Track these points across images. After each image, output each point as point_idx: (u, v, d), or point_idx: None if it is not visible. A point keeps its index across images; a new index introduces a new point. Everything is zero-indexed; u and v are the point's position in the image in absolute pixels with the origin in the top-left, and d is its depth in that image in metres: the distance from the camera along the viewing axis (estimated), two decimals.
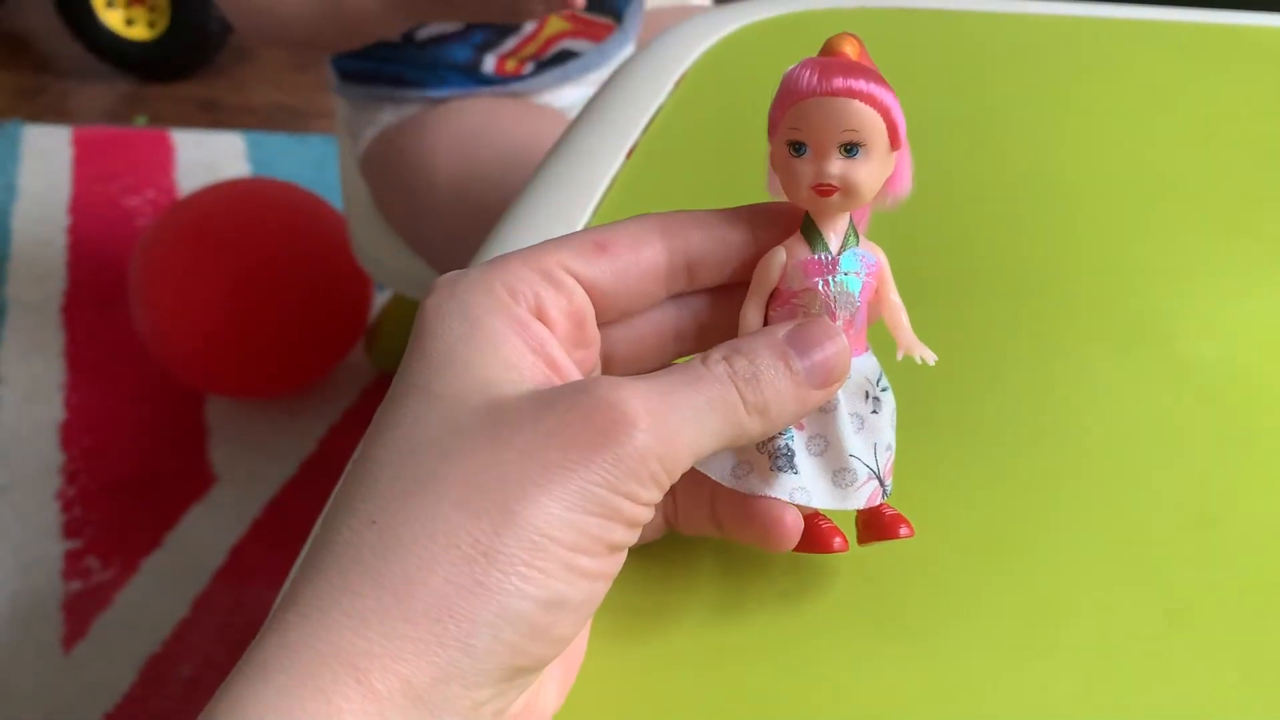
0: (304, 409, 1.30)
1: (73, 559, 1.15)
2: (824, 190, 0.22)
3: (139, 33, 2.03)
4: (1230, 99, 0.49)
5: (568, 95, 0.92)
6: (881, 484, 0.24)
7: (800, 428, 0.23)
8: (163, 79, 2.07)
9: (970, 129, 0.46)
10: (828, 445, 0.23)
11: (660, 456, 0.20)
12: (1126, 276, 0.38)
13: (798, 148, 0.22)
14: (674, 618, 0.26)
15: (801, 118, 0.22)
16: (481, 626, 0.19)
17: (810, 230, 0.23)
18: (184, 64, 2.07)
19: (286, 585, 0.21)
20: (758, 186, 0.25)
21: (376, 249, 0.96)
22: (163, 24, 2.01)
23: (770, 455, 0.23)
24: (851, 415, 0.23)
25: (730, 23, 0.53)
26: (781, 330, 0.23)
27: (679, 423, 0.21)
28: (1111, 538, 0.28)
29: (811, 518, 0.24)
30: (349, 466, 0.22)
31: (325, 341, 1.26)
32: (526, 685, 0.20)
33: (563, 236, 0.24)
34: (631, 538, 0.21)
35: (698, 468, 0.23)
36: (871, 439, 0.24)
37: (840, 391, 0.23)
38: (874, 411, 0.24)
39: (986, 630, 0.26)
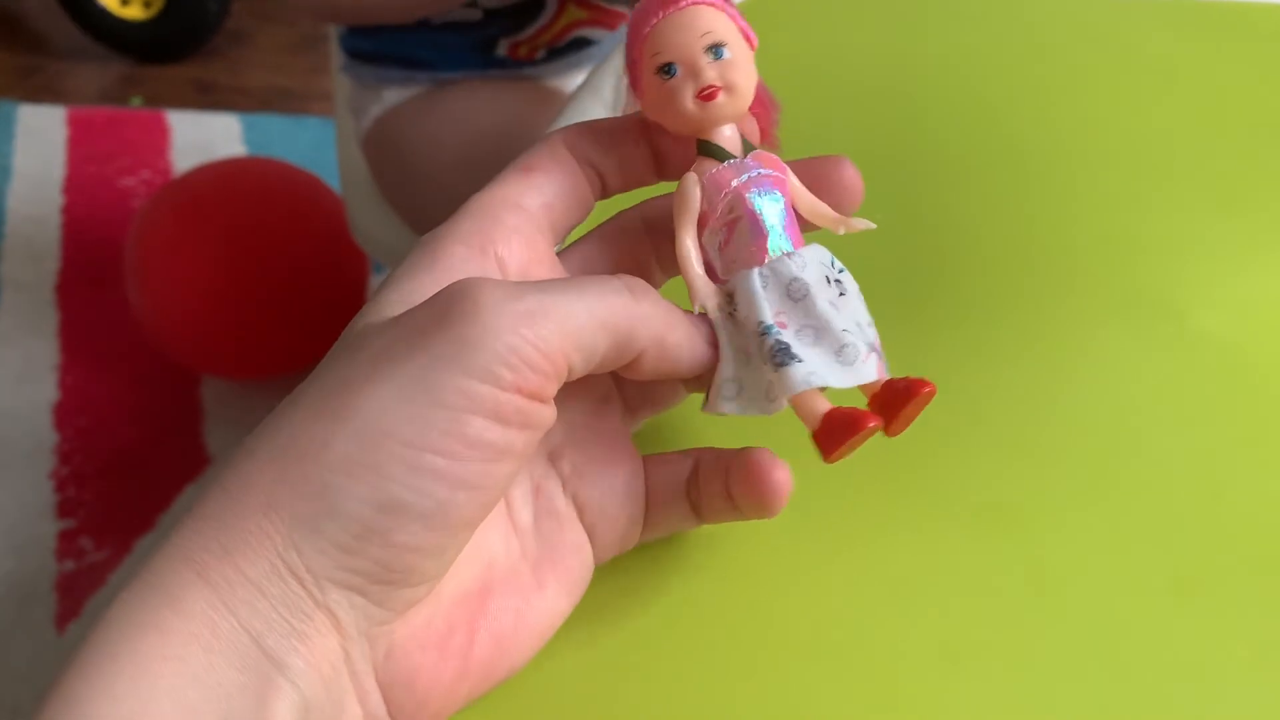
0: None
1: (66, 539, 1.14)
2: (709, 93, 0.23)
3: (135, 13, 2.01)
4: (1233, 76, 0.49)
5: (577, 81, 0.92)
6: (879, 354, 0.23)
7: (783, 325, 0.23)
8: (159, 60, 2.06)
9: (972, 106, 0.46)
10: (817, 332, 0.23)
11: (520, 332, 0.19)
12: (1131, 251, 0.37)
13: (667, 69, 0.23)
14: (672, 598, 0.26)
15: (660, 40, 0.23)
16: (304, 521, 0.19)
17: (707, 148, 0.24)
18: (180, 45, 2.06)
19: None
20: None
21: (375, 228, 0.96)
22: (158, 4, 2.00)
23: (768, 355, 0.22)
24: (829, 305, 0.23)
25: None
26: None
27: (545, 303, 0.20)
28: (1118, 510, 0.28)
29: (829, 413, 0.23)
30: None
31: (321, 322, 1.25)
32: (395, 601, 0.20)
33: (498, 177, 0.24)
34: (505, 437, 0.20)
35: (704, 410, 0.23)
36: (852, 319, 0.23)
37: (808, 279, 0.23)
38: (841, 294, 0.23)
39: (992, 601, 0.26)
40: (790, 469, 0.24)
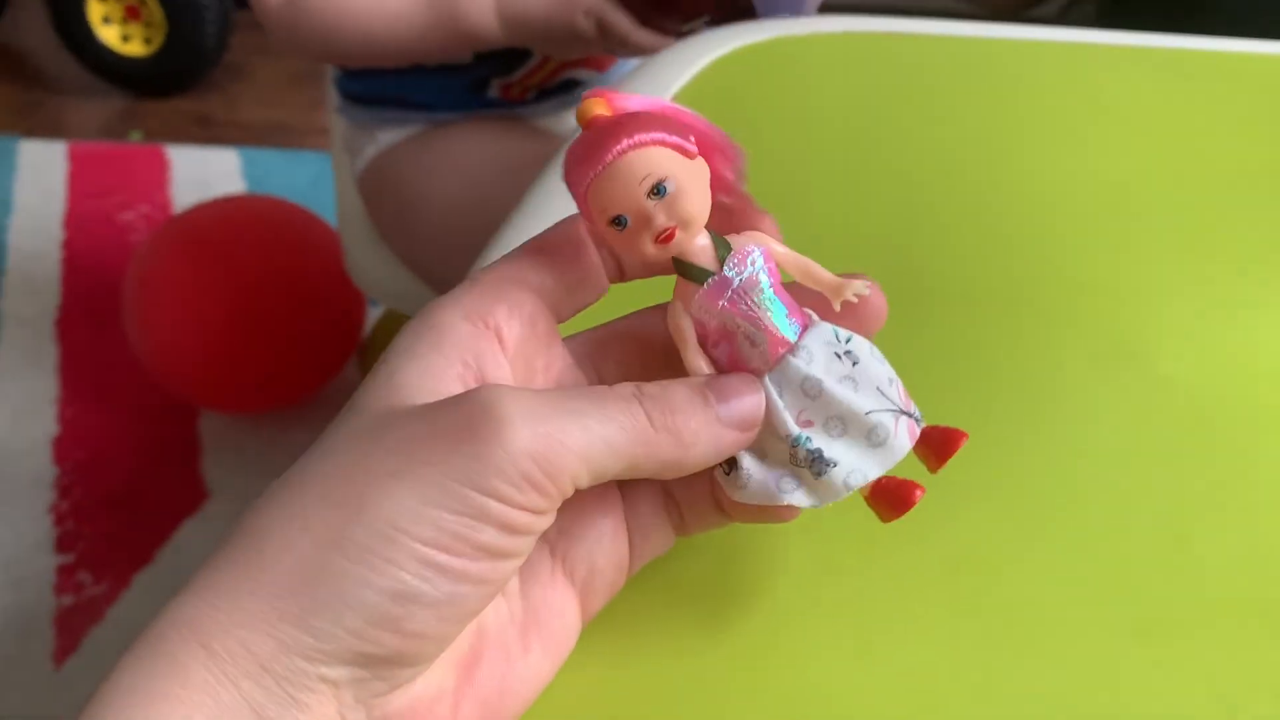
0: (297, 424, 1.30)
1: (65, 573, 1.15)
2: (665, 237, 0.22)
3: (135, 49, 2.04)
4: (1205, 123, 0.50)
5: (569, 122, 0.93)
6: (910, 415, 0.24)
7: (808, 424, 0.23)
8: (158, 95, 2.08)
9: (951, 152, 0.47)
10: (844, 421, 0.23)
11: (535, 457, 0.20)
12: (1105, 296, 0.38)
13: (618, 221, 0.22)
14: (655, 628, 0.26)
15: (602, 198, 0.22)
16: (321, 607, 0.19)
17: (683, 268, 0.23)
18: (179, 80, 2.08)
19: None
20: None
21: (370, 265, 0.97)
22: (158, 40, 2.02)
23: (805, 465, 0.23)
24: (841, 380, 0.23)
25: (719, 47, 0.54)
26: (701, 378, 0.23)
27: (565, 428, 0.21)
28: (1085, 554, 0.28)
29: (878, 484, 0.24)
30: None
31: (318, 357, 1.26)
32: (397, 678, 0.21)
33: (509, 253, 0.25)
34: (513, 544, 0.21)
35: (740, 496, 0.24)
36: (873, 385, 0.23)
37: (818, 374, 0.23)
38: (855, 364, 0.23)
39: (960, 645, 0.26)
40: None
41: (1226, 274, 0.40)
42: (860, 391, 0.23)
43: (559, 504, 0.21)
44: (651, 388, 0.22)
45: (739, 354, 0.23)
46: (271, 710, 0.19)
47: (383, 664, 0.20)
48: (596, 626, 0.26)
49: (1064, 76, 0.53)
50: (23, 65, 2.20)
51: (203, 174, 1.82)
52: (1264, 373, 0.35)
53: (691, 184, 0.22)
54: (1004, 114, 0.50)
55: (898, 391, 0.24)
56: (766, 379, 0.23)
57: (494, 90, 0.89)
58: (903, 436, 0.23)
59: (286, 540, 0.20)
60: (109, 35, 2.02)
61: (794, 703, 0.25)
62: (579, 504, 0.25)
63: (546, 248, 0.24)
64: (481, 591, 0.21)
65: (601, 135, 0.22)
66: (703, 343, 0.24)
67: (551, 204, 0.42)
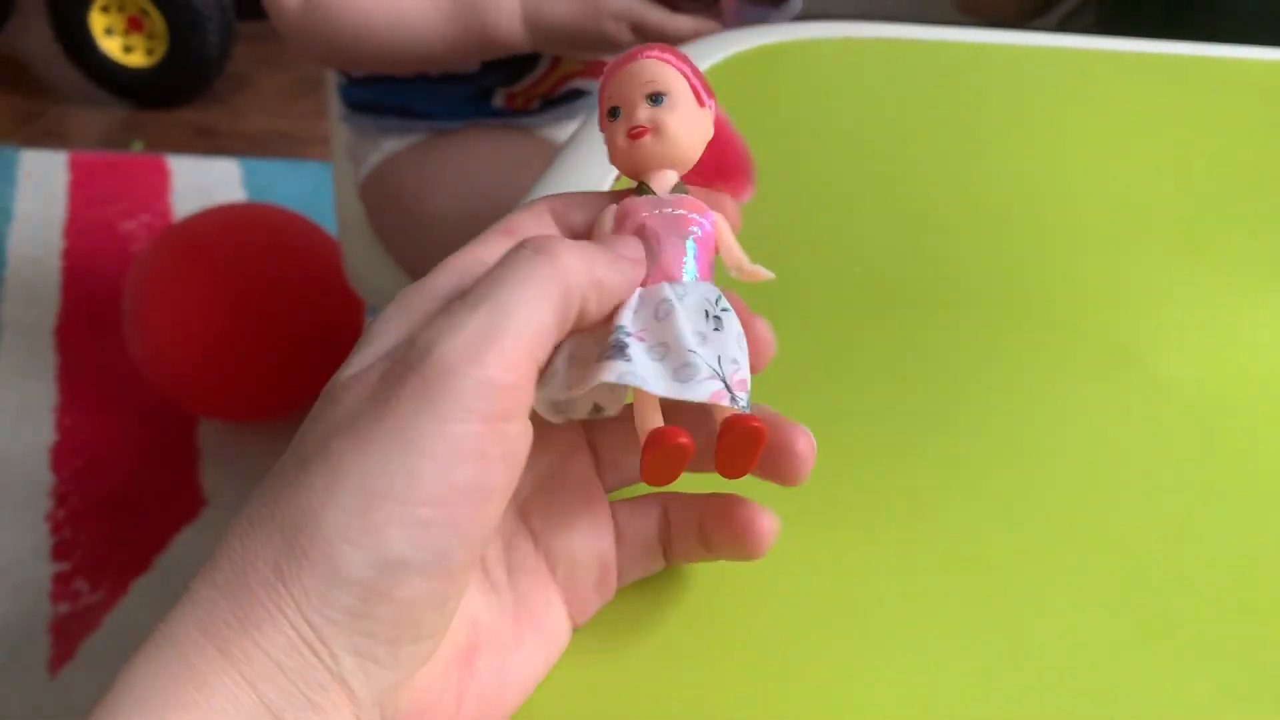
0: (295, 432, 1.30)
1: (61, 581, 1.14)
2: (636, 132, 0.24)
3: (137, 60, 2.04)
4: (1201, 128, 0.50)
5: (572, 131, 0.94)
6: (729, 389, 0.23)
7: (641, 339, 0.23)
8: (160, 105, 2.09)
9: (945, 157, 0.47)
10: (667, 350, 0.23)
11: (479, 359, 0.20)
12: (1107, 299, 0.38)
13: (613, 112, 0.25)
14: (646, 631, 0.26)
15: (613, 89, 0.25)
16: (314, 594, 0.19)
17: (640, 189, 0.25)
18: (181, 91, 2.09)
19: None
20: (743, 209, 0.26)
21: (371, 273, 0.97)
22: (160, 51, 2.03)
23: (603, 349, 0.23)
24: (694, 329, 0.23)
25: (718, 52, 0.54)
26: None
27: (490, 315, 0.20)
28: (1088, 557, 0.28)
29: (652, 432, 0.23)
30: None
31: (317, 365, 1.26)
32: (403, 660, 0.20)
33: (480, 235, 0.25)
34: (490, 475, 0.20)
35: (542, 394, 0.23)
36: (715, 351, 0.23)
37: (678, 306, 0.23)
38: (715, 330, 0.24)
39: (961, 644, 0.26)
40: (777, 516, 0.24)
41: (1228, 277, 0.40)
42: (700, 343, 0.23)
43: (527, 400, 0.21)
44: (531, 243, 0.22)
45: None
46: (290, 715, 0.19)
47: (385, 642, 0.20)
48: (598, 627, 0.26)
49: (1064, 82, 0.54)
50: (25, 75, 2.21)
51: (204, 183, 1.82)
52: (1265, 374, 0.35)
53: (685, 111, 0.24)
54: (1004, 119, 0.50)
55: (734, 373, 0.23)
56: (637, 292, 0.24)
57: (498, 99, 0.89)
58: (705, 389, 0.23)
59: (271, 531, 0.20)
60: (111, 46, 2.02)
61: (797, 700, 0.25)
62: (561, 495, 0.25)
63: (517, 230, 0.25)
64: (468, 544, 0.20)
65: (645, 46, 0.25)
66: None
67: None
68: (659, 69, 0.24)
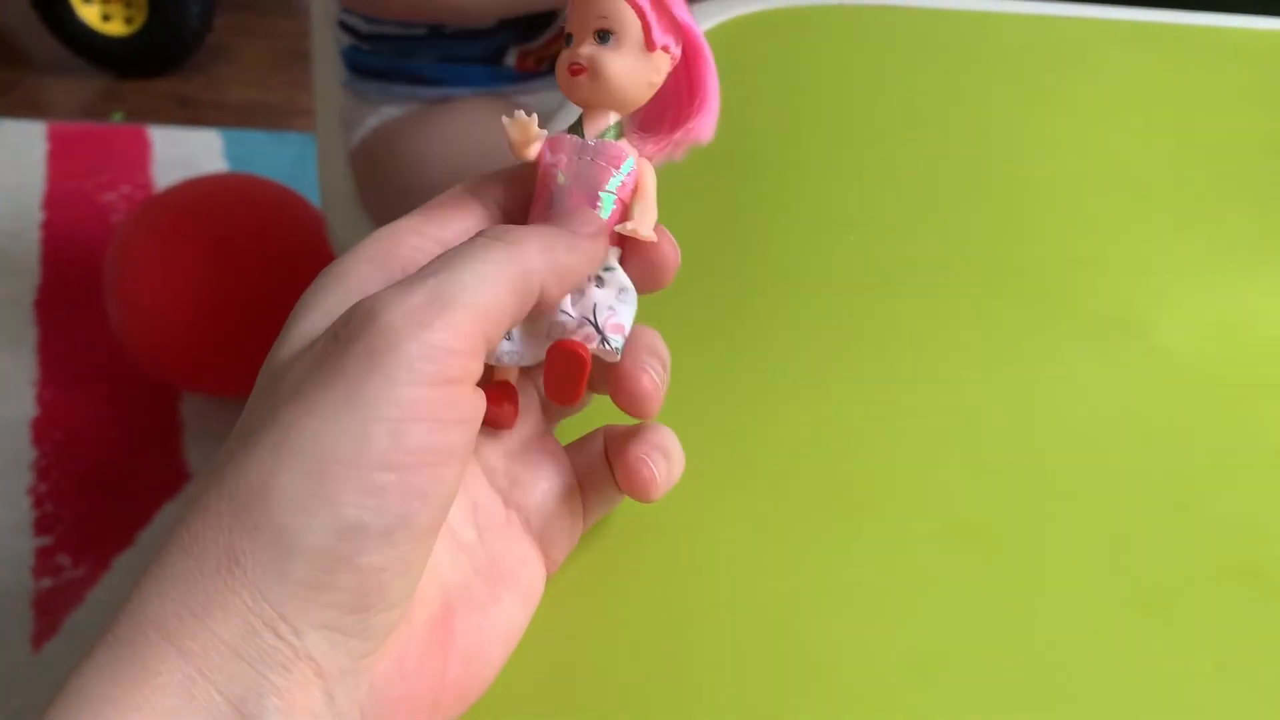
0: None
1: (44, 556, 1.13)
2: (573, 69, 0.24)
3: (116, 28, 2.01)
4: (1199, 97, 0.50)
5: None
6: (599, 331, 0.24)
7: None
8: (140, 75, 2.06)
9: (943, 125, 0.46)
10: (539, 315, 0.24)
11: (428, 324, 0.20)
12: (1101, 270, 0.38)
13: (568, 39, 0.24)
14: (639, 609, 0.26)
15: (572, 11, 0.24)
16: (269, 569, 0.18)
17: (575, 126, 0.25)
18: (161, 61, 2.06)
19: None
20: (741, 176, 0.26)
21: (358, 241, 0.96)
22: (140, 20, 2.00)
23: None
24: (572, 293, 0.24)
25: (714, 16, 0.53)
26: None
27: (440, 285, 0.20)
28: (1087, 526, 0.29)
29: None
30: None
31: None
32: (372, 628, 0.20)
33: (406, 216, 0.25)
34: (446, 438, 0.20)
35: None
36: (590, 303, 0.24)
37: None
38: (596, 286, 0.24)
39: (963, 618, 0.26)
40: (656, 469, 0.25)
41: (1221, 246, 0.40)
42: (576, 305, 0.24)
43: (477, 369, 0.21)
44: (496, 229, 0.22)
45: (540, 203, 0.24)
46: (251, 704, 0.18)
47: (351, 611, 0.19)
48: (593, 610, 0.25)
49: (1061, 50, 0.53)
50: (2, 45, 2.17)
51: (185, 154, 1.80)
52: (1259, 342, 0.35)
53: (632, 59, 0.24)
54: (1000, 88, 0.49)
55: (608, 317, 0.24)
56: None
57: (510, 59, 0.88)
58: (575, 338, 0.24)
59: (220, 510, 0.19)
60: (89, 14, 1.99)
61: (797, 680, 0.25)
62: (524, 454, 0.26)
63: (437, 205, 0.25)
64: (429, 506, 0.20)
65: None
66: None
67: None
68: (618, 7, 0.23)
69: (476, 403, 0.21)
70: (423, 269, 0.21)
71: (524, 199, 0.25)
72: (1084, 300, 0.36)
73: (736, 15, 0.53)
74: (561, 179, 0.24)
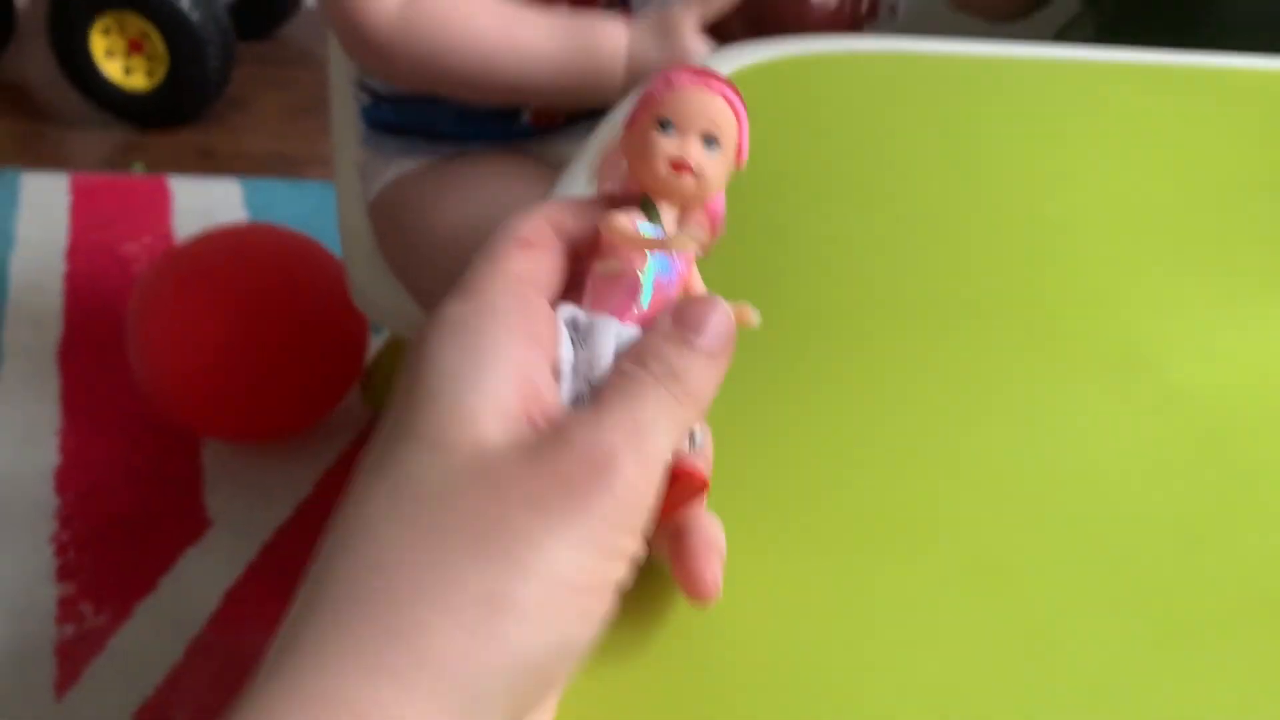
0: (300, 452, 1.30)
1: (66, 604, 1.14)
2: (682, 166, 0.24)
3: (137, 82, 2.05)
4: (1206, 137, 0.50)
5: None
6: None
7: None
8: (160, 127, 2.09)
9: (958, 168, 0.47)
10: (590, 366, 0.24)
11: (649, 481, 0.21)
12: (1116, 308, 0.38)
13: (665, 125, 0.24)
14: (650, 636, 0.27)
15: (675, 103, 0.24)
16: (495, 675, 0.19)
17: (649, 207, 0.24)
18: (182, 113, 2.09)
19: (281, 632, 0.21)
20: (747, 223, 0.26)
21: (377, 293, 0.97)
22: (161, 73, 2.04)
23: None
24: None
25: (724, 66, 0.54)
26: (667, 320, 0.23)
27: (651, 443, 0.21)
28: (1102, 563, 0.28)
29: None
30: (339, 512, 0.22)
31: (322, 385, 1.26)
32: None
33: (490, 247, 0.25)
34: (628, 573, 0.22)
35: None
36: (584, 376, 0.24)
37: (567, 362, 0.23)
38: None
39: (977, 656, 0.26)
40: (720, 571, 0.25)
41: (1237, 285, 0.40)
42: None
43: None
44: (654, 365, 0.22)
45: (603, 291, 0.24)
46: None
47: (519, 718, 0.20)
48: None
49: (1066, 93, 0.54)
50: (26, 98, 2.21)
51: (205, 205, 1.82)
52: (1274, 379, 0.35)
53: (724, 169, 0.24)
54: (1011, 130, 0.50)
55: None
56: (613, 322, 0.24)
57: (526, 115, 0.89)
58: None
59: (443, 604, 0.19)
60: (112, 69, 2.03)
61: (806, 705, 0.25)
62: None
63: (533, 243, 0.25)
64: (599, 630, 0.21)
65: (721, 77, 0.24)
66: (596, 248, 0.25)
67: None
68: (725, 114, 0.24)
69: None
70: (634, 414, 0.22)
71: (587, 230, 0.25)
72: (1095, 339, 0.37)
73: (747, 64, 0.54)
74: (643, 280, 0.24)
